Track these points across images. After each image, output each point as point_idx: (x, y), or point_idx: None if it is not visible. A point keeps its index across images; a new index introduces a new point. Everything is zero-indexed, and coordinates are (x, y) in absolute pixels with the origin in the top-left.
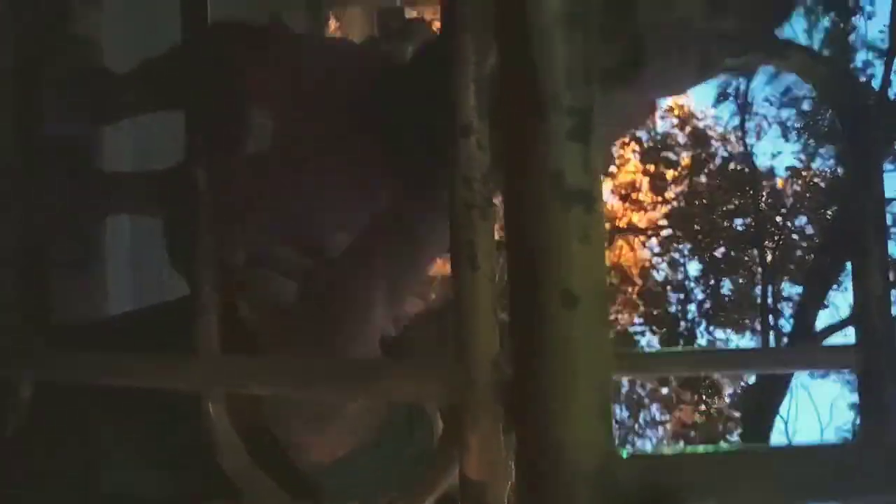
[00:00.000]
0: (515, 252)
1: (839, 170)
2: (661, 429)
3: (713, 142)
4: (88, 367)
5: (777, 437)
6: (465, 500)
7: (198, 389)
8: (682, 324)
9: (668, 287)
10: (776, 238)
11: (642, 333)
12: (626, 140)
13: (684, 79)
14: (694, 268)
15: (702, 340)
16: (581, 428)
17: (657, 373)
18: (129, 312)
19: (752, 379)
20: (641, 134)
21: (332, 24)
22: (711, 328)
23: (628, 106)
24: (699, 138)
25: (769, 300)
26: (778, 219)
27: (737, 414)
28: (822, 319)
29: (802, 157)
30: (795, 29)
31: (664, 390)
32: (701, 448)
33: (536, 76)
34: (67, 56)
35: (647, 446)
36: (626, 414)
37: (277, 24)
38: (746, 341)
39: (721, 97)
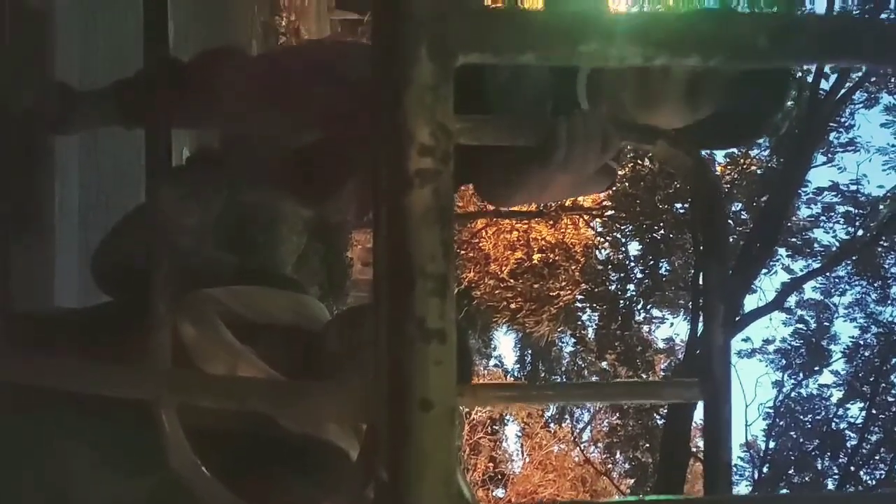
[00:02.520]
0: (391, 373)
1: (774, 159)
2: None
3: None
4: (41, 370)
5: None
6: None
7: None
8: (622, 302)
9: (610, 266)
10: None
11: (583, 310)
12: None
13: (590, 157)
14: (634, 248)
15: (639, 318)
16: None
17: (503, 403)
18: (77, 310)
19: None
20: None
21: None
22: (648, 306)
23: (551, 180)
24: None
25: (701, 282)
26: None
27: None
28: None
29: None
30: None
31: (604, 364)
32: None
33: (410, 254)
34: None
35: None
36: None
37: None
38: (680, 320)
39: None
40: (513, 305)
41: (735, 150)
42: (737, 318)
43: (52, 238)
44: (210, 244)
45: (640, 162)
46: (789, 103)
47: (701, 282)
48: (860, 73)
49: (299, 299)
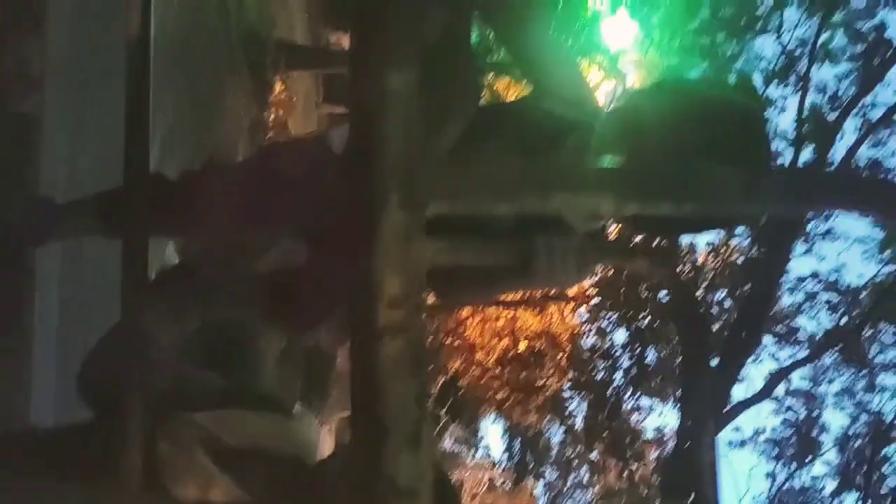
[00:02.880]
0: None
1: (755, 248)
2: (589, 491)
3: None
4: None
5: None
6: None
7: None
8: (609, 391)
9: (596, 354)
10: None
11: (570, 399)
12: None
13: (567, 274)
14: (621, 336)
15: (627, 407)
16: None
17: None
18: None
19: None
20: None
21: (279, 86)
22: (636, 395)
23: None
24: None
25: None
26: (698, 292)
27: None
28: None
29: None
30: None
31: (593, 455)
32: None
33: (380, 409)
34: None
35: None
36: (555, 475)
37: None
38: (669, 409)
39: None
40: (499, 395)
41: (716, 238)
42: (725, 409)
43: (30, 354)
44: (192, 363)
45: None
46: None
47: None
48: (834, 167)
49: (286, 424)
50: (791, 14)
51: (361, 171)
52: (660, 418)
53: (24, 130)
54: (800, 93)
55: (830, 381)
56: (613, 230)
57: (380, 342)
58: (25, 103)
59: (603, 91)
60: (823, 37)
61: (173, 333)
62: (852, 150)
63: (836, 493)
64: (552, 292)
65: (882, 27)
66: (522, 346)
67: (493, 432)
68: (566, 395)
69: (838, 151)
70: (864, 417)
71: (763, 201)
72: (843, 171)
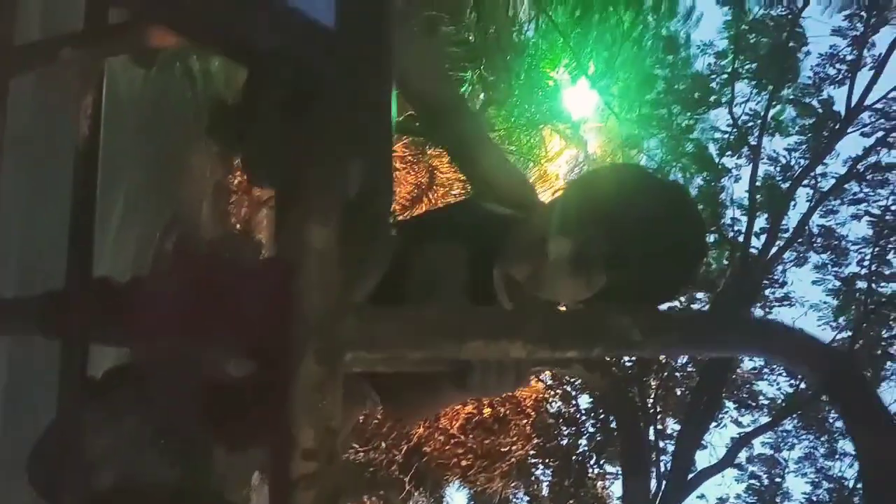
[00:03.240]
0: None
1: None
2: None
3: None
4: None
5: None
6: None
7: None
8: (574, 457)
9: (561, 420)
10: (658, 375)
11: (535, 465)
12: None
13: (505, 387)
14: (585, 401)
15: (592, 473)
16: None
17: None
18: None
19: None
20: None
21: None
22: (601, 461)
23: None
24: None
25: (651, 437)
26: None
27: None
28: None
29: (682, 298)
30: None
31: None
32: None
33: None
34: None
35: None
36: None
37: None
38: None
39: None
40: (464, 462)
41: (676, 302)
42: (689, 477)
43: None
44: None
45: None
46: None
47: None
48: (788, 234)
49: None
50: (742, 87)
51: (280, 323)
52: None
53: None
54: (752, 163)
55: (791, 447)
56: None
57: (294, 492)
58: None
59: (565, 158)
60: (774, 110)
61: (110, 439)
62: (805, 219)
63: None
64: None
65: (830, 101)
66: (486, 412)
67: (457, 500)
68: (531, 461)
69: (792, 220)
70: (825, 484)
71: (664, 345)
72: (745, 317)
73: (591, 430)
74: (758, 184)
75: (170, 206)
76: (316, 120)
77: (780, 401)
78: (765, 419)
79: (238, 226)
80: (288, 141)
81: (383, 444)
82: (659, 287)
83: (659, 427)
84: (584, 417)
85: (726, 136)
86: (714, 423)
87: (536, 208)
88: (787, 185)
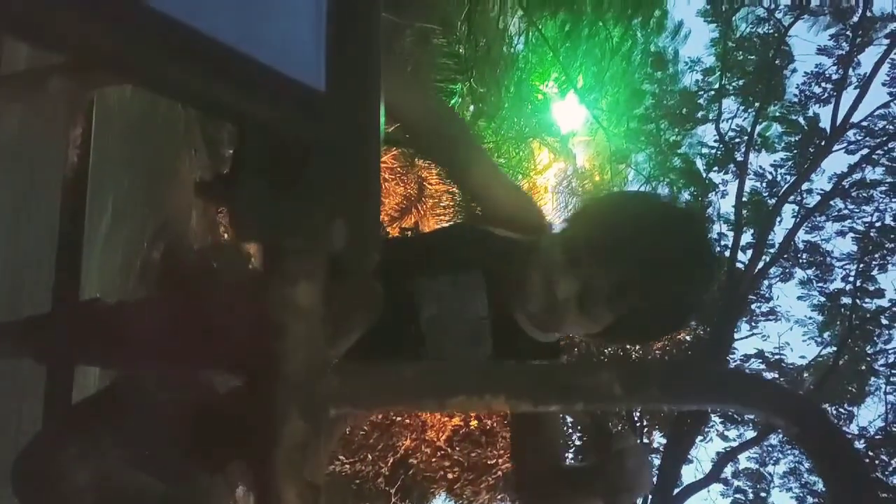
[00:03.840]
0: None
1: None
2: None
3: None
4: None
5: None
6: None
7: None
8: None
9: None
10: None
11: None
12: None
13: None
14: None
15: None
16: None
17: None
18: None
19: None
20: None
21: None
22: None
23: None
24: None
25: None
26: None
27: None
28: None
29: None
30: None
31: None
32: None
33: None
34: None
35: None
36: None
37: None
38: None
39: None
40: (450, 475)
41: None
42: (675, 492)
43: None
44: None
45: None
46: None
47: None
48: (774, 250)
49: None
50: (730, 104)
51: (264, 381)
52: None
53: None
54: (738, 179)
55: (777, 462)
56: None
57: None
58: None
59: (554, 171)
60: (760, 127)
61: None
62: (790, 234)
63: None
64: None
65: (816, 118)
66: (474, 424)
67: None
68: None
69: (778, 235)
70: (810, 499)
71: (644, 400)
72: (723, 370)
73: (578, 442)
74: (744, 199)
75: (158, 214)
76: (302, 180)
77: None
78: (750, 434)
79: (226, 235)
80: (275, 201)
81: (370, 456)
82: (665, 321)
83: (645, 441)
84: (570, 430)
85: (713, 151)
86: (700, 438)
87: (542, 235)
88: (773, 200)
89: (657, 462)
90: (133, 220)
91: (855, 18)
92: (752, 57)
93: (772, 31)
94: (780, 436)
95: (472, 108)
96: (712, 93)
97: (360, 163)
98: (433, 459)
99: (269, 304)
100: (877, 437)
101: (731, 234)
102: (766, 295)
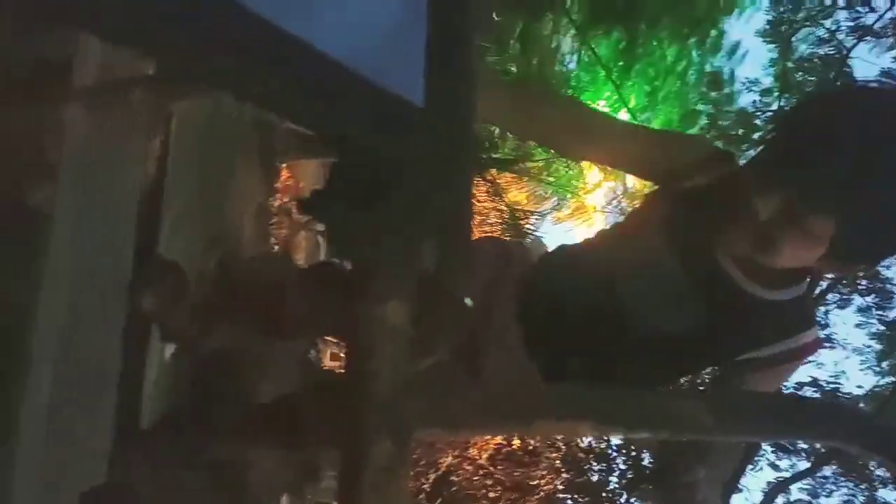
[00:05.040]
0: None
1: None
2: None
3: None
4: None
5: None
6: None
7: None
8: (604, 493)
9: (591, 455)
10: None
11: (564, 501)
12: None
13: None
14: (616, 437)
15: None
16: None
17: None
18: None
19: None
20: None
21: (285, 172)
22: (632, 500)
23: None
24: None
25: None
26: None
27: None
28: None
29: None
30: None
31: None
32: None
33: None
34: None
35: None
36: None
37: None
38: None
39: None
40: (492, 493)
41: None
42: None
43: (18, 425)
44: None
45: None
46: None
47: None
48: (831, 277)
49: None
50: None
51: (354, 403)
52: None
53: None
54: None
55: (829, 495)
56: None
57: None
58: (38, 193)
59: (604, 190)
60: None
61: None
62: None
63: None
64: None
65: None
66: (516, 443)
67: None
68: (560, 495)
69: None
70: None
71: (734, 432)
72: (815, 402)
73: (623, 467)
74: None
75: (214, 224)
76: (396, 201)
77: (818, 445)
78: (803, 464)
79: (277, 247)
80: (370, 219)
81: (411, 472)
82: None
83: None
84: (615, 454)
85: None
86: (750, 466)
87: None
88: None
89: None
90: (190, 229)
91: None
92: (812, 78)
93: (833, 52)
94: (834, 468)
95: None
96: (770, 114)
97: (454, 183)
98: (475, 478)
99: (357, 323)
100: None
101: None
102: (823, 321)
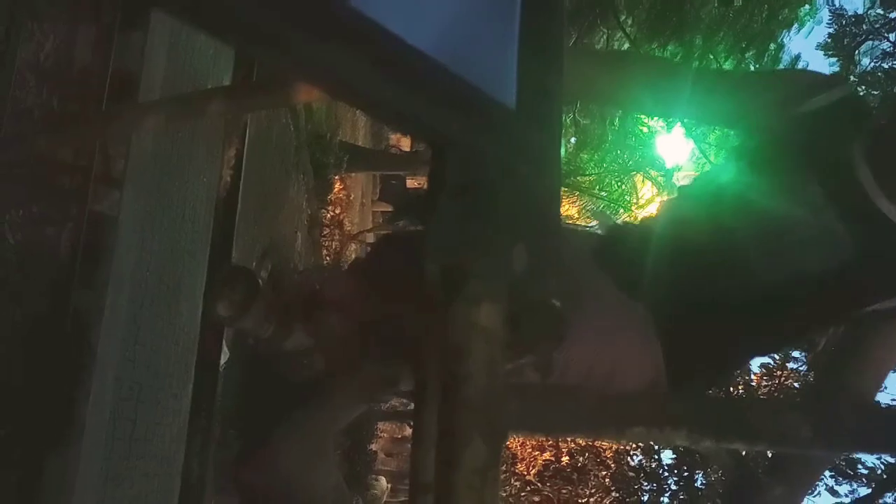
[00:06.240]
0: None
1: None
2: None
3: None
4: None
5: None
6: None
7: None
8: None
9: (642, 474)
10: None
11: None
12: None
13: None
14: (668, 456)
15: None
16: None
17: None
18: None
19: None
20: None
21: (338, 185)
22: None
23: None
24: None
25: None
26: None
27: None
28: None
29: (776, 356)
30: None
31: None
32: None
33: None
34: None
35: None
36: None
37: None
38: None
39: None
40: None
41: (770, 360)
42: None
43: (83, 425)
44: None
45: None
46: None
47: None
48: None
49: None
50: None
51: (446, 403)
52: None
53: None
54: None
55: None
56: None
57: None
58: (106, 201)
59: (657, 204)
60: None
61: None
62: None
63: None
64: None
65: None
66: (565, 460)
67: None
68: None
69: None
70: None
71: (834, 445)
72: None
73: (674, 487)
74: None
75: (266, 235)
76: (488, 205)
77: (879, 471)
78: (863, 490)
79: (328, 258)
80: (464, 223)
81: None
82: None
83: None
84: (666, 473)
85: None
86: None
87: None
88: None
89: None
90: (247, 237)
91: None
92: (876, 92)
93: None
94: None
95: (573, 139)
96: None
97: (543, 188)
98: (522, 493)
99: (450, 327)
100: None
101: None
102: None
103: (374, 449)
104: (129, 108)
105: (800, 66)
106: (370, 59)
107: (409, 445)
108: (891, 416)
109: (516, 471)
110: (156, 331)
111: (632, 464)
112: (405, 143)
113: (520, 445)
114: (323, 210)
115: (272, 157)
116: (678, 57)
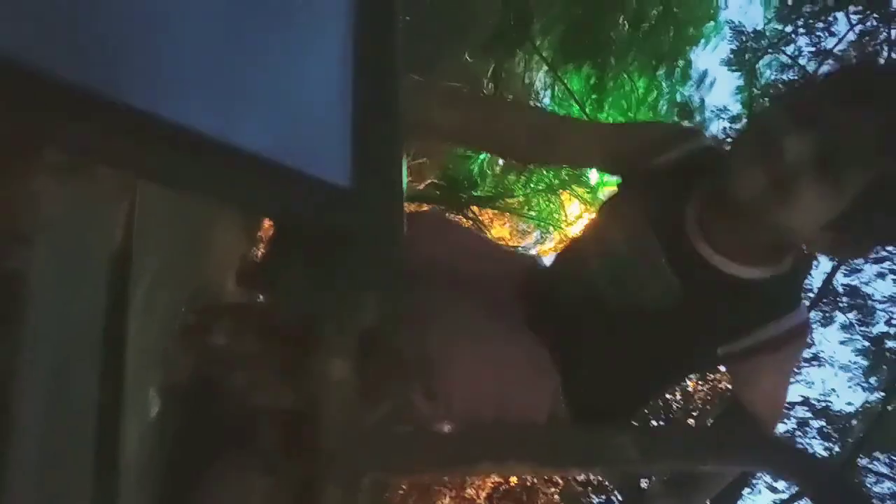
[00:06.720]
0: None
1: None
2: None
3: None
4: None
5: None
6: None
7: None
8: None
9: (590, 488)
10: None
11: None
12: None
13: None
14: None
15: None
16: None
17: None
18: None
19: None
20: None
21: (267, 222)
22: None
23: None
24: None
25: None
26: (690, 420)
27: None
28: None
29: None
30: None
31: None
32: None
33: None
34: None
35: None
36: None
37: None
38: None
39: None
40: None
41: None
42: None
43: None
44: None
45: None
46: None
47: None
48: (812, 294)
49: None
50: None
51: (303, 451)
52: None
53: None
54: None
55: None
56: None
57: None
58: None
59: (585, 221)
60: None
61: None
62: (829, 278)
63: None
64: None
65: None
66: (514, 481)
67: None
68: None
69: (815, 279)
70: None
71: (662, 463)
72: (741, 433)
73: (620, 498)
74: None
75: (195, 279)
76: (335, 264)
77: None
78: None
79: (261, 299)
80: (310, 283)
81: None
82: None
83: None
84: (612, 486)
85: None
86: (747, 490)
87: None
88: None
89: None
90: (171, 284)
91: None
92: None
93: (797, 76)
94: None
95: (500, 161)
96: None
97: (388, 240)
98: None
99: (306, 378)
100: None
101: None
102: (808, 340)
103: None
104: (24, 166)
105: (707, 81)
106: (197, 157)
107: None
108: (710, 434)
109: (465, 496)
110: (77, 387)
111: (579, 479)
112: None
113: None
114: (254, 250)
115: (189, 203)
116: (593, 78)
